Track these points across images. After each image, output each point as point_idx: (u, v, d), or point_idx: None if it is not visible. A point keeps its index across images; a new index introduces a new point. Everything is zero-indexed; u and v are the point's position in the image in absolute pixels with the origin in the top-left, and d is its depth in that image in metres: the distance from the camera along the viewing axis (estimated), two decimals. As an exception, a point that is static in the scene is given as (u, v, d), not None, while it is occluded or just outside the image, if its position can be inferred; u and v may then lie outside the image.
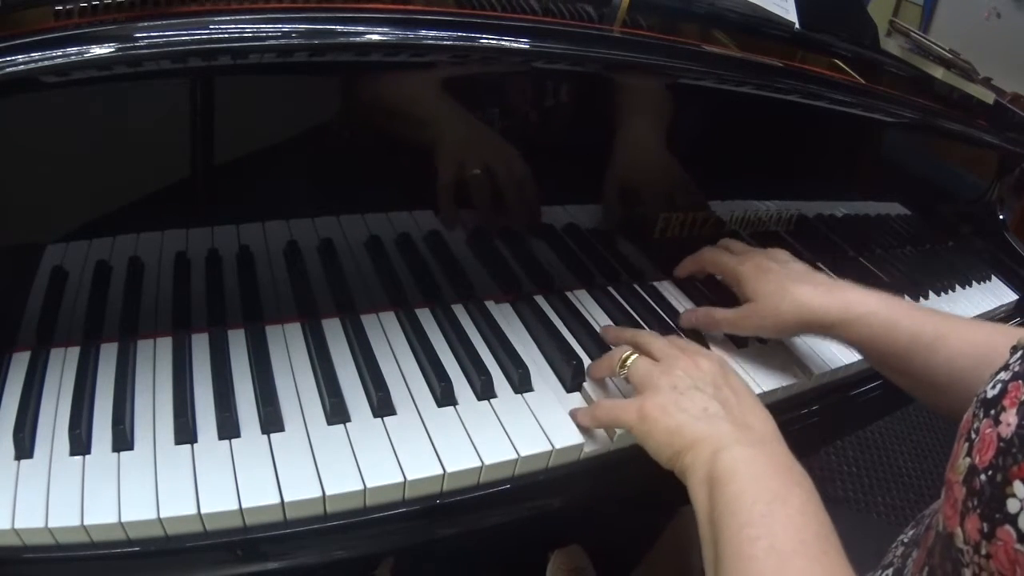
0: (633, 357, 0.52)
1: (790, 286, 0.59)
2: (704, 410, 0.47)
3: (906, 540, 0.50)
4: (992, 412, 0.33)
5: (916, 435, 1.71)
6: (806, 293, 0.58)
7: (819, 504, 0.41)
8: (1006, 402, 0.33)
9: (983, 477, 0.32)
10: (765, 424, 0.47)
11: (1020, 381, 0.33)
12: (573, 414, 0.53)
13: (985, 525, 0.31)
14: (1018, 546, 0.30)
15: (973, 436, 0.34)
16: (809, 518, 0.40)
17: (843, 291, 0.58)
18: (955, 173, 1.03)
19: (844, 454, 1.60)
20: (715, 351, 0.62)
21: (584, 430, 0.52)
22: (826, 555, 0.38)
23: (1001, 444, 0.31)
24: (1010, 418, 0.32)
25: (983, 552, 0.31)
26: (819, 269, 0.83)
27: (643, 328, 0.64)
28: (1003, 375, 0.35)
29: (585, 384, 0.56)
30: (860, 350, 0.59)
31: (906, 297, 0.84)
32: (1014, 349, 0.41)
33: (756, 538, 0.38)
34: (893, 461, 1.62)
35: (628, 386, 0.56)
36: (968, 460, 0.34)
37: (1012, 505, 0.30)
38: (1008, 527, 0.30)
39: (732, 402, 0.48)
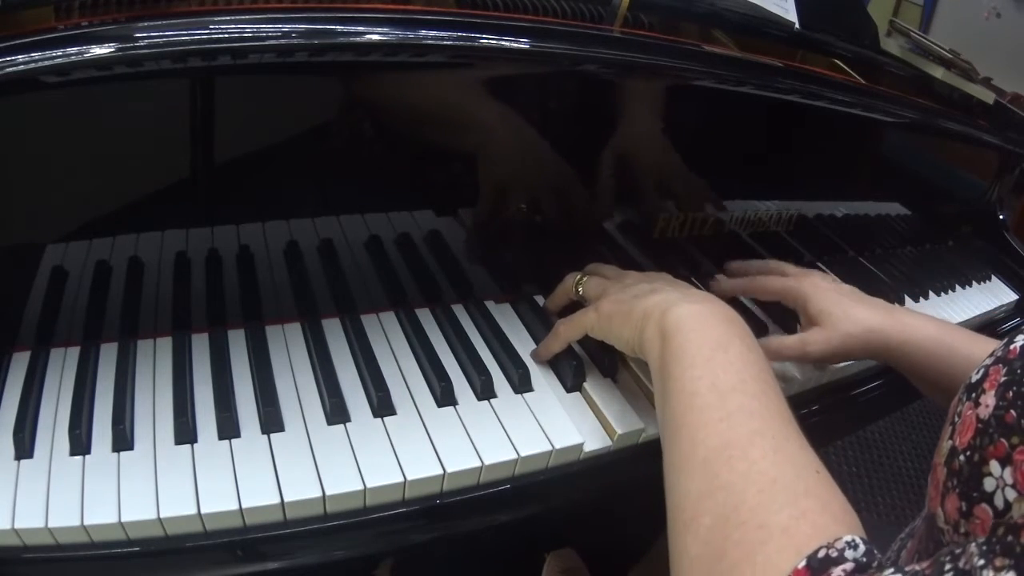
0: (587, 277, 0.57)
1: (854, 308, 0.59)
2: (652, 290, 0.51)
3: (903, 536, 0.51)
4: (973, 395, 0.34)
5: (916, 435, 1.71)
6: (871, 315, 0.59)
7: (759, 353, 0.45)
8: (986, 385, 0.33)
9: (962, 458, 0.32)
10: (710, 295, 0.51)
11: (1000, 365, 0.33)
12: (535, 353, 0.57)
13: (963, 504, 0.32)
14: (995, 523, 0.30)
15: (956, 420, 0.35)
16: (748, 362, 0.43)
17: (901, 314, 0.60)
18: (955, 173, 1.03)
19: (844, 454, 1.60)
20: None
21: (581, 426, 0.52)
22: (764, 393, 0.41)
23: (979, 425, 0.32)
24: (989, 400, 0.32)
25: (962, 531, 0.32)
26: (819, 269, 0.84)
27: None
28: (987, 361, 0.35)
29: (586, 384, 0.56)
30: (913, 374, 0.59)
31: (907, 301, 0.84)
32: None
33: (699, 378, 0.42)
34: (893, 461, 1.62)
35: (632, 387, 0.57)
36: (950, 443, 0.34)
37: (988, 484, 0.30)
38: (985, 505, 0.30)
39: (681, 287, 0.52)
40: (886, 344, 0.58)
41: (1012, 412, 0.30)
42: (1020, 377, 0.31)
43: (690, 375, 0.42)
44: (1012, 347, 0.34)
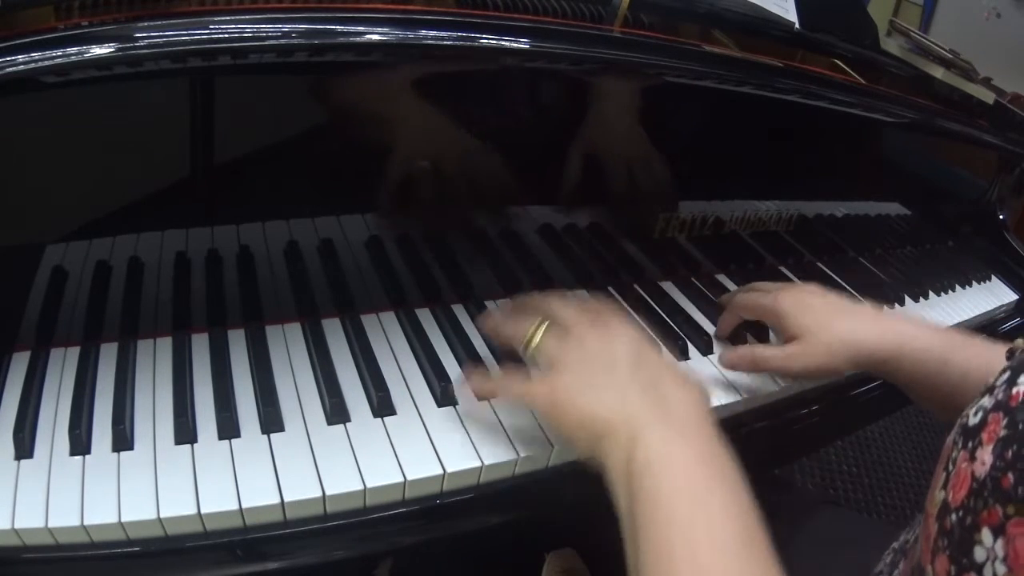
0: (541, 331, 0.47)
1: (836, 320, 0.55)
2: (620, 392, 0.43)
3: (896, 546, 0.50)
4: (970, 444, 0.32)
5: (916, 435, 1.71)
6: (856, 327, 0.55)
7: (743, 500, 0.39)
8: (984, 436, 0.31)
9: (954, 517, 0.31)
10: (687, 404, 0.43)
11: (1000, 413, 0.31)
12: (468, 374, 0.50)
13: (953, 568, 0.30)
14: None
15: (950, 468, 0.33)
16: (731, 518, 0.38)
17: (893, 323, 0.56)
18: (955, 173, 1.03)
19: (844, 454, 1.60)
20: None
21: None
22: (746, 549, 0.36)
23: (974, 485, 0.30)
24: (986, 456, 0.30)
25: None
26: (819, 269, 0.84)
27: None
28: (986, 401, 0.32)
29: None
30: (907, 386, 0.56)
31: (907, 301, 0.84)
32: (1010, 353, 0.39)
33: (673, 541, 0.37)
34: (893, 461, 1.62)
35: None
36: (943, 494, 0.32)
37: (979, 553, 0.29)
38: (974, 575, 0.29)
39: (648, 382, 0.44)
40: (873, 356, 0.55)
41: (1010, 476, 0.28)
42: (1020, 434, 0.29)
43: (665, 535, 0.37)
44: (1015, 391, 0.31)
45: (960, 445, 0.32)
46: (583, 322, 0.47)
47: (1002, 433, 0.30)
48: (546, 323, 0.48)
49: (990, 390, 0.33)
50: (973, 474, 0.30)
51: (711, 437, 0.42)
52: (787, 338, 0.57)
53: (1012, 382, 0.32)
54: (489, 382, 0.49)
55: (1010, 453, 0.29)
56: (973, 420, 0.32)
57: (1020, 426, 0.29)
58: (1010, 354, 0.39)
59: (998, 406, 0.31)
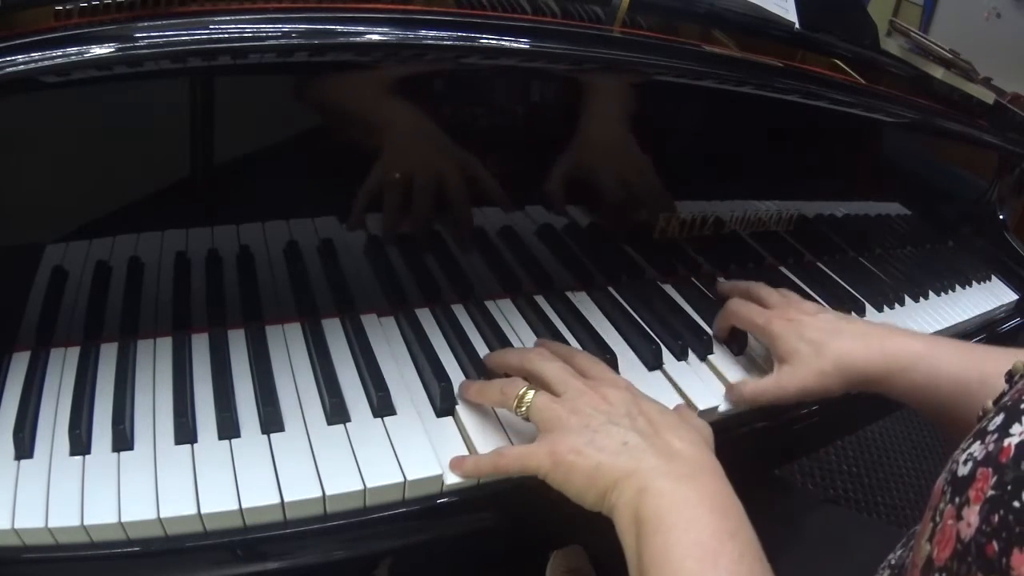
0: (531, 394, 0.47)
1: (828, 342, 0.55)
2: (623, 444, 0.43)
3: (894, 561, 0.49)
4: (957, 499, 0.30)
5: (916, 435, 1.71)
6: (846, 348, 0.55)
7: (754, 553, 0.38)
8: (972, 493, 0.30)
9: None
10: (694, 449, 0.43)
11: (990, 469, 0.29)
12: (459, 462, 0.47)
13: None
14: None
15: (937, 519, 0.31)
16: (742, 572, 0.37)
17: (883, 340, 0.56)
18: (955, 173, 1.03)
19: (844, 454, 1.60)
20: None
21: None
22: None
23: (958, 546, 0.29)
24: (972, 517, 0.29)
25: None
26: (819, 269, 0.84)
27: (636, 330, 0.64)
28: (976, 449, 0.31)
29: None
30: (902, 400, 0.56)
31: (907, 301, 0.84)
32: (1008, 376, 0.38)
33: None
34: (893, 461, 1.62)
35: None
36: (928, 547, 0.31)
37: None
38: None
39: (650, 431, 0.44)
40: (864, 377, 0.55)
41: (994, 544, 0.27)
42: (1008, 497, 0.27)
43: None
44: (1006, 443, 0.29)
45: (948, 497, 0.31)
46: (572, 382, 0.47)
47: (989, 493, 0.29)
48: (531, 388, 0.47)
49: (981, 435, 0.31)
50: (958, 534, 0.29)
51: (719, 478, 0.42)
52: (778, 360, 0.58)
53: (1004, 431, 0.30)
54: (488, 461, 0.47)
55: (996, 518, 0.27)
56: (963, 470, 0.31)
57: (1009, 487, 0.28)
58: (1008, 377, 0.38)
59: (988, 459, 0.30)
